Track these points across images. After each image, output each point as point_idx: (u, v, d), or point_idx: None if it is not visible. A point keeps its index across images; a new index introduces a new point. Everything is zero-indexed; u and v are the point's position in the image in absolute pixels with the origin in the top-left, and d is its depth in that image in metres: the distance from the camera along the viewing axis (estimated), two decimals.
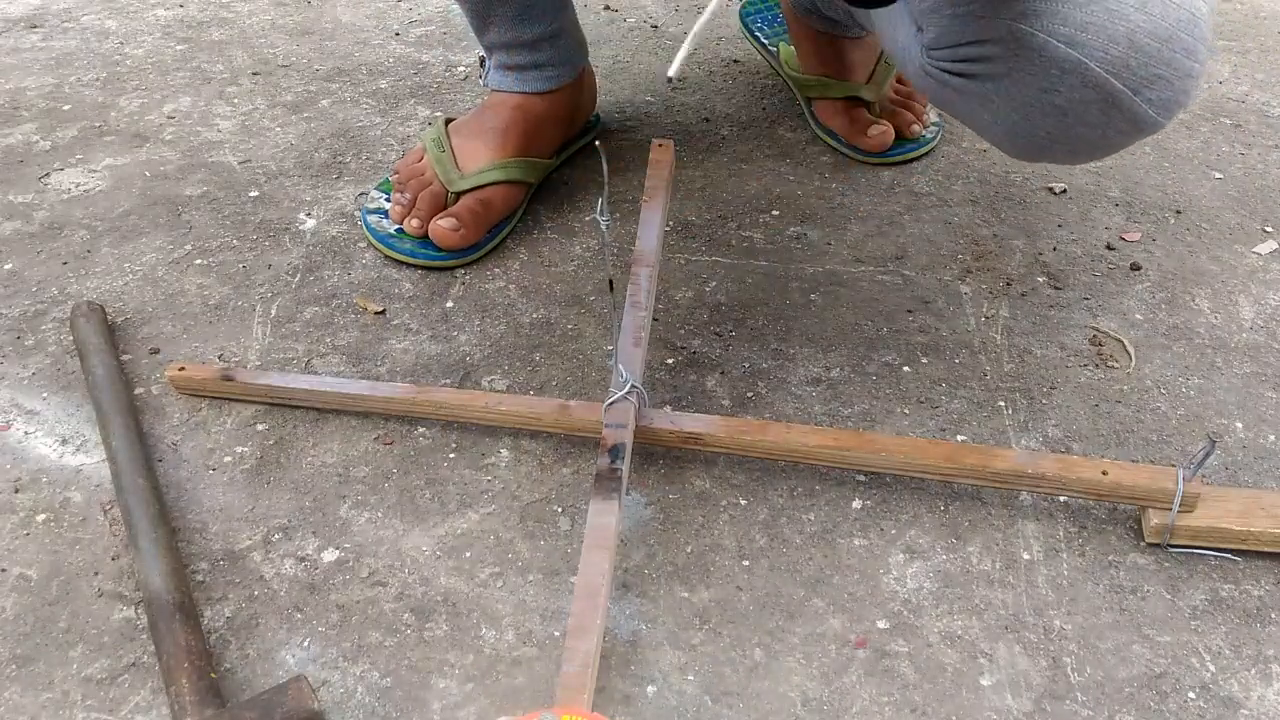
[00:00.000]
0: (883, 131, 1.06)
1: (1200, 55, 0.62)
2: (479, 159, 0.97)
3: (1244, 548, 0.68)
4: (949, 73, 0.68)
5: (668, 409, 0.78)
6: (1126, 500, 0.69)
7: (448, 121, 1.01)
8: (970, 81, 0.67)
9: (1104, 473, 0.68)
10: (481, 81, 1.13)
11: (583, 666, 0.57)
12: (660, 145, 0.95)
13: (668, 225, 1.00)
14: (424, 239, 0.94)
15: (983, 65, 0.65)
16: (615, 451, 0.69)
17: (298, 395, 0.79)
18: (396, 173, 1.00)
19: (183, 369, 0.80)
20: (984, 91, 0.66)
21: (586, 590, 0.61)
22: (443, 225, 0.92)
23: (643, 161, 1.08)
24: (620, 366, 0.73)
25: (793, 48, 1.16)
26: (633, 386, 0.73)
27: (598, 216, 0.65)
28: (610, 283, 0.71)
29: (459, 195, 0.95)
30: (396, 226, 0.96)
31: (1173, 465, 0.70)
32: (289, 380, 0.80)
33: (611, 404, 0.73)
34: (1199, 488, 0.67)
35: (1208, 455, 0.66)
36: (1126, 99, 0.62)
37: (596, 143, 0.66)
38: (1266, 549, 0.68)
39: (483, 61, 1.04)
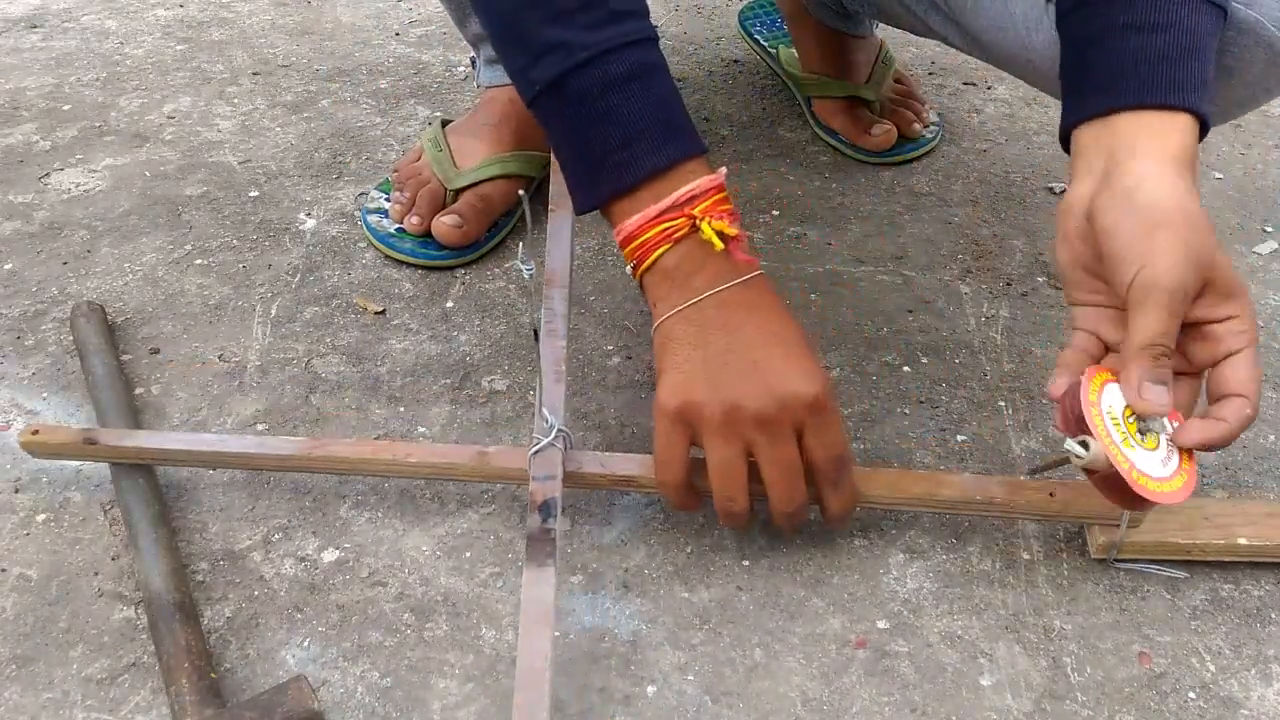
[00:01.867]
0: (886, 130, 1.06)
1: None
2: (475, 155, 0.97)
3: (1189, 559, 0.68)
4: None
5: (596, 450, 0.72)
6: (1075, 519, 0.68)
7: (444, 123, 1.01)
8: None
9: (1051, 494, 0.66)
10: (475, 83, 1.14)
11: None
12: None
13: None
14: (424, 238, 0.94)
15: None
16: (546, 509, 0.64)
17: (174, 456, 0.71)
18: (396, 172, 1.00)
19: (36, 433, 0.71)
20: None
21: (530, 677, 0.56)
22: (445, 222, 0.92)
23: None
24: (545, 411, 0.67)
25: (793, 49, 1.17)
26: (559, 431, 0.67)
27: (519, 264, 0.61)
28: (535, 333, 0.67)
29: (458, 193, 0.95)
30: (397, 226, 0.96)
31: None
32: (161, 440, 0.72)
33: (537, 452, 0.66)
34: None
35: None
36: None
37: (520, 192, 0.63)
38: (1212, 559, 0.67)
39: (473, 62, 1.04)
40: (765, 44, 1.22)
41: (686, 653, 0.64)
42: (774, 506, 0.63)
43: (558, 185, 0.81)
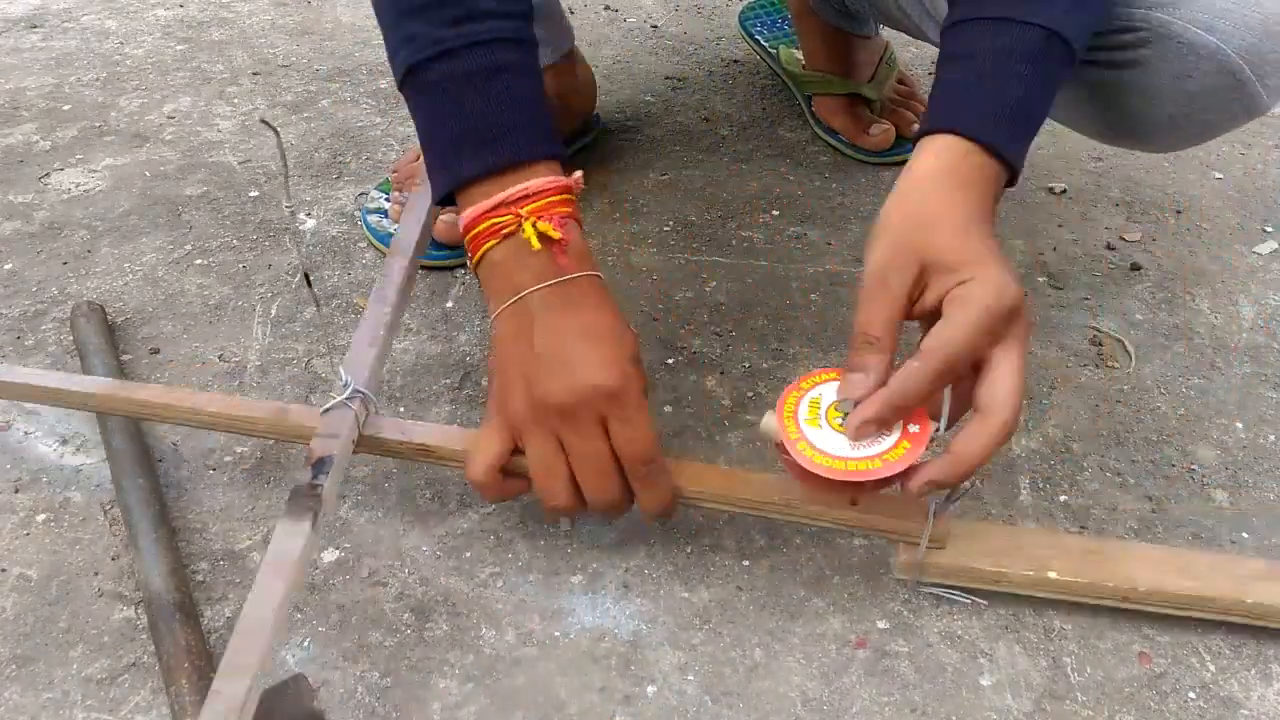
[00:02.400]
0: (885, 130, 1.06)
1: None
2: None
3: (996, 589, 0.65)
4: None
5: (399, 417, 0.71)
6: (879, 534, 0.66)
7: None
8: (1093, 70, 0.67)
9: (853, 502, 0.63)
10: None
11: (226, 715, 0.50)
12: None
13: (667, 224, 1.00)
14: None
15: (1112, 54, 0.66)
16: (320, 465, 0.62)
17: None
18: (395, 172, 1.00)
19: None
20: (1108, 80, 0.67)
21: (250, 624, 0.54)
22: (446, 221, 0.93)
23: (642, 162, 1.09)
24: (341, 370, 0.67)
25: (794, 50, 1.17)
26: (355, 391, 0.66)
27: (285, 206, 0.62)
28: (306, 276, 0.64)
29: None
30: (397, 225, 0.96)
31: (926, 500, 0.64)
32: None
33: (328, 410, 0.65)
34: (948, 525, 0.64)
35: (954, 495, 0.63)
36: (1252, 84, 0.64)
37: (263, 120, 0.62)
38: (1021, 591, 0.65)
39: None
40: (765, 44, 1.22)
41: (686, 653, 0.64)
42: (588, 500, 0.63)
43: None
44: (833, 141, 1.10)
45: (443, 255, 0.94)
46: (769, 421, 0.61)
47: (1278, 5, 0.62)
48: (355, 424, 0.66)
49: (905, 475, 0.58)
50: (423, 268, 0.94)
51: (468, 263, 0.65)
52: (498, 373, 0.64)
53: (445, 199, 0.65)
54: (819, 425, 0.60)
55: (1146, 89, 0.66)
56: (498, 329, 0.64)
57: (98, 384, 0.72)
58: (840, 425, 0.60)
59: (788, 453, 0.60)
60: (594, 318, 0.62)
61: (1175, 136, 0.72)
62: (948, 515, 0.64)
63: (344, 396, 0.66)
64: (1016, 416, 0.57)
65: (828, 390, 0.61)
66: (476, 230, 0.63)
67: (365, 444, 0.67)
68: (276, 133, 0.58)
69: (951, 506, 0.63)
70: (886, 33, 1.15)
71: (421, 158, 0.98)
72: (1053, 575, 0.64)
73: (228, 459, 0.76)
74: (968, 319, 0.56)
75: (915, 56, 1.29)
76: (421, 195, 0.80)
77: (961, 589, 0.66)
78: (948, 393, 0.59)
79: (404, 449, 0.67)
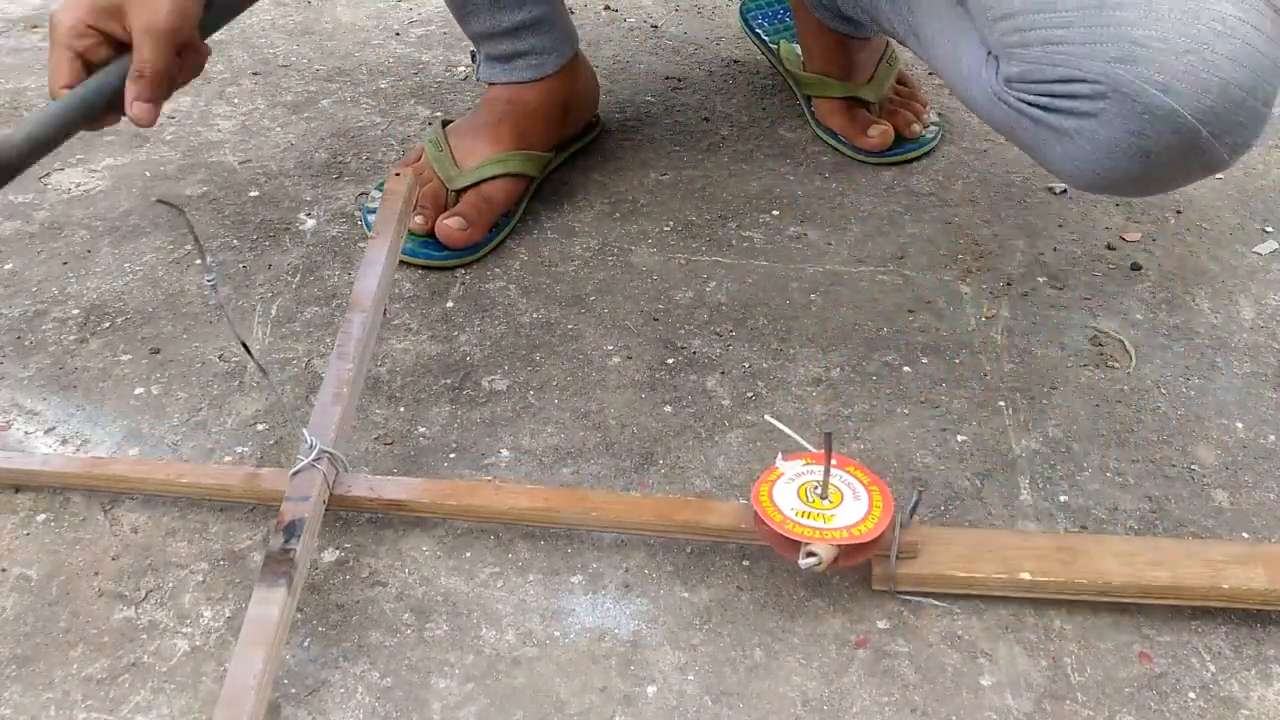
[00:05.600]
0: (883, 131, 1.06)
1: (1274, 100, 0.64)
2: (476, 154, 0.97)
3: (971, 593, 0.65)
4: (1032, 105, 0.68)
5: (365, 473, 0.72)
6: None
7: (445, 123, 1.01)
8: (1053, 116, 0.67)
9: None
10: (475, 78, 1.14)
11: None
12: (397, 174, 0.86)
13: (667, 224, 1.00)
14: (425, 238, 0.94)
15: (1071, 103, 0.66)
16: (291, 529, 0.63)
17: None
18: (397, 174, 1.00)
19: None
20: (1066, 127, 0.67)
21: (233, 695, 0.55)
22: (450, 224, 0.93)
23: (642, 162, 1.09)
24: (305, 431, 0.67)
25: (794, 45, 1.16)
26: (321, 451, 0.67)
27: (206, 282, 0.61)
28: (245, 347, 0.64)
29: (459, 194, 0.96)
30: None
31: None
32: None
33: (296, 473, 0.66)
34: (918, 534, 0.65)
35: (917, 503, 0.65)
36: (1209, 144, 0.64)
37: (161, 199, 0.64)
38: (995, 593, 0.65)
39: (473, 56, 1.04)
40: (767, 39, 1.22)
41: (686, 653, 0.64)
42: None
43: (383, 213, 0.83)
44: (832, 142, 1.10)
45: (443, 255, 0.94)
46: (825, 551, 0.62)
47: (1234, 69, 0.61)
48: (325, 484, 0.67)
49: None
50: (423, 268, 0.94)
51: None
52: None
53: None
54: (831, 518, 0.63)
55: (1103, 142, 0.66)
56: None
57: (69, 462, 0.73)
58: (833, 501, 0.64)
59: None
60: None
61: (1135, 188, 0.71)
62: (915, 524, 0.65)
63: (310, 458, 0.66)
64: None
65: (783, 498, 0.64)
66: None
67: (337, 502, 0.68)
68: (182, 212, 0.61)
69: (913, 518, 0.65)
70: None
71: (424, 157, 0.99)
72: (1025, 576, 0.64)
73: (227, 459, 0.76)
74: None
75: (914, 56, 1.29)
76: (381, 245, 0.79)
77: (936, 595, 0.66)
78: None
79: (374, 505, 0.69)
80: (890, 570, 0.65)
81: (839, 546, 0.62)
